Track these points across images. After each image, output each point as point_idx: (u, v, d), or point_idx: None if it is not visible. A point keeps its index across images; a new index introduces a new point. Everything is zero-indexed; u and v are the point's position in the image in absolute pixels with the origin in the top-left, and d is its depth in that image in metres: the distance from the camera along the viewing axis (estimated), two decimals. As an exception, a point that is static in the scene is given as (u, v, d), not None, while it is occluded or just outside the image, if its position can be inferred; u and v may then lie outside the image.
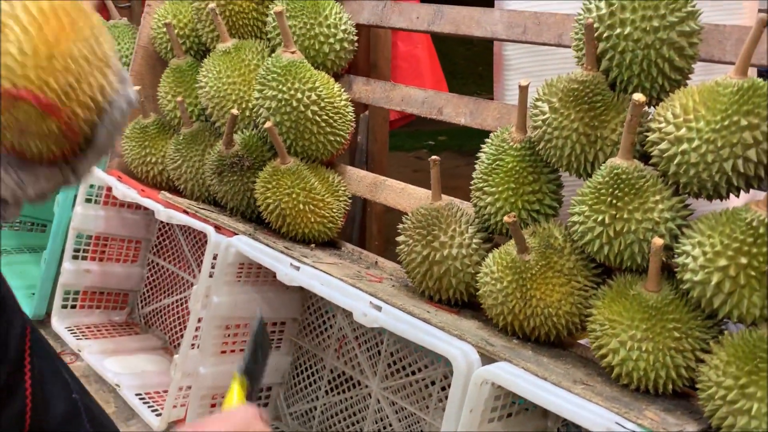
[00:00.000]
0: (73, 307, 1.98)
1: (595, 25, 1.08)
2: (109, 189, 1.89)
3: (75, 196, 1.97)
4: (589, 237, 1.07)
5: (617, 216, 1.04)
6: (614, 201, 1.04)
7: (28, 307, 2.05)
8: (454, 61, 9.07)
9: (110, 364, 1.79)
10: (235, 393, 0.99)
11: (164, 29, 1.85)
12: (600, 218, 1.05)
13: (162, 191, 1.84)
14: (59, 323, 1.93)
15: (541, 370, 1.04)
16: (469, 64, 9.29)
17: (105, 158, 2.02)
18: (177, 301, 1.99)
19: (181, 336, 1.69)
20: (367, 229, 2.14)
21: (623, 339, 1.03)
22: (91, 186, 1.92)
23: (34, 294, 2.04)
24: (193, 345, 1.54)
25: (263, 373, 1.07)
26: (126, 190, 1.82)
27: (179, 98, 1.76)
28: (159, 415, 1.58)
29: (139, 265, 2.08)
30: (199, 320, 1.51)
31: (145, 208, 2.02)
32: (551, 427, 1.19)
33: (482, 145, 1.29)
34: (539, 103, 1.16)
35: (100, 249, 1.99)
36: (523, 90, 1.19)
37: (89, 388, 1.86)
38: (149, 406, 1.63)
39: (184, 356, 1.53)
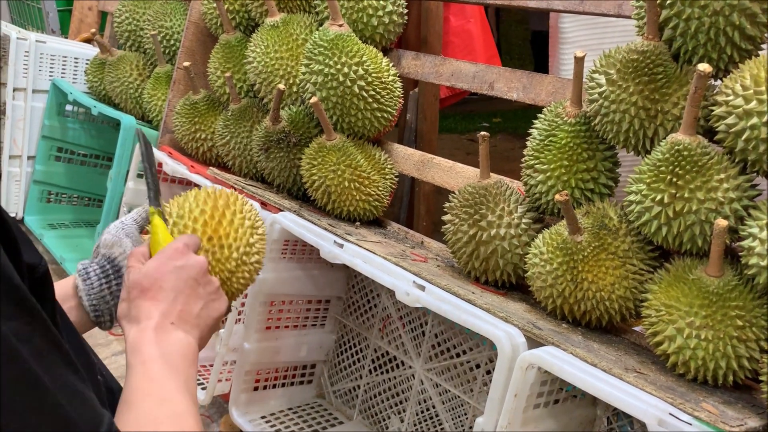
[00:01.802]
0: (125, 280, 2.02)
1: (659, -9, 1.00)
2: (160, 165, 1.91)
3: (127, 172, 2.01)
4: (647, 217, 1.01)
5: (677, 195, 0.97)
6: (675, 179, 0.97)
7: (83, 279, 2.09)
8: (510, 42, 8.88)
9: (159, 337, 1.82)
10: (160, 231, 0.88)
11: (214, 5, 1.85)
12: (659, 197, 0.99)
13: (210, 167, 1.84)
14: (112, 296, 1.97)
15: (591, 356, 0.99)
16: (526, 44, 9.07)
17: (156, 134, 2.05)
18: (225, 277, 2.01)
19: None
20: (415, 210, 2.11)
21: (680, 326, 0.97)
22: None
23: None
24: (238, 320, 1.54)
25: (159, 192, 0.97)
26: (176, 165, 1.83)
27: (228, 74, 1.75)
28: (204, 388, 1.59)
29: (188, 240, 2.10)
30: (245, 296, 1.51)
31: (195, 184, 2.04)
32: (600, 416, 1.14)
33: (539, 116, 1.23)
34: (596, 75, 1.09)
35: (151, 224, 2.01)
36: (579, 61, 1.13)
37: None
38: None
39: (229, 331, 1.53)
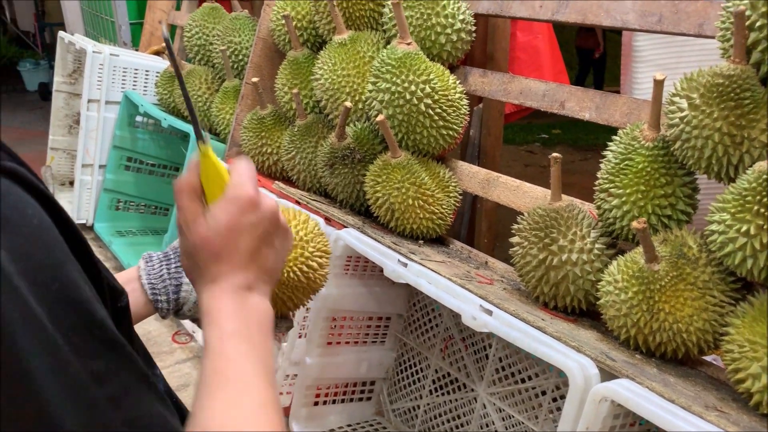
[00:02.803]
0: (190, 289, 2.06)
1: (747, 13, 0.96)
2: (226, 177, 1.94)
3: (194, 183, 2.05)
4: (730, 248, 0.97)
5: (765, 227, 0.93)
6: (762, 210, 0.93)
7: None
8: (574, 53, 8.74)
9: (222, 348, 1.84)
10: (214, 163, 0.76)
11: (283, 21, 1.87)
12: (744, 228, 0.94)
13: (276, 181, 1.87)
14: (177, 305, 2.02)
15: (668, 392, 0.95)
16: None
17: (224, 147, 2.09)
18: (286, 289, 2.03)
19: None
20: (477, 226, 2.08)
21: (766, 364, 0.92)
22: (210, 174, 1.99)
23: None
24: (300, 334, 1.55)
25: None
26: (241, 179, 1.86)
27: (295, 90, 1.78)
28: (265, 401, 1.60)
29: (251, 252, 2.13)
30: (307, 310, 1.52)
31: (259, 197, 2.06)
32: (676, 453, 1.09)
33: (602, 141, 1.20)
34: (677, 99, 1.06)
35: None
36: (659, 84, 1.09)
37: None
38: (257, 392, 1.66)
39: (291, 345, 1.54)
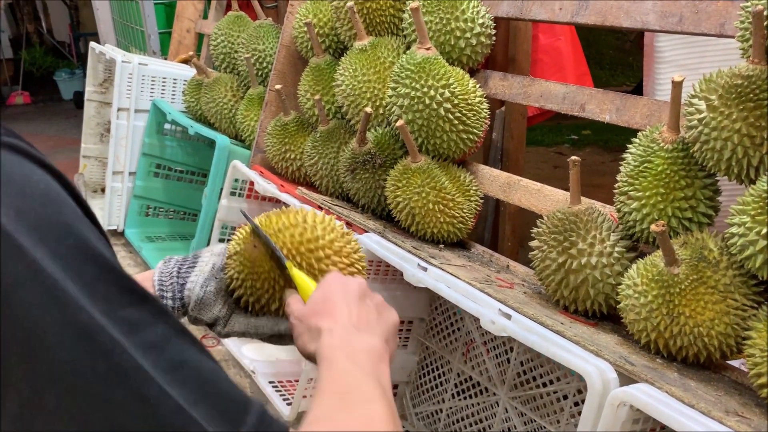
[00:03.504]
0: (217, 294, 2.09)
1: (766, 13, 0.95)
2: (252, 183, 1.97)
3: (221, 190, 2.08)
4: (751, 251, 0.95)
5: (786, 229, 0.91)
6: (783, 212, 0.91)
7: (177, 291, 2.19)
8: (602, 51, 8.63)
9: (247, 351, 1.87)
10: (303, 277, 0.91)
11: (305, 29, 1.90)
12: (764, 231, 0.93)
13: (299, 187, 1.89)
14: (204, 309, 2.05)
15: (688, 396, 0.94)
16: (619, 55, 8.80)
17: (249, 153, 2.12)
18: (310, 293, 2.05)
19: (313, 328, 1.73)
20: (500, 229, 2.08)
21: (789, 369, 0.90)
22: (236, 180, 2.02)
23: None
24: (322, 339, 1.57)
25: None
26: (266, 185, 1.89)
27: (317, 96, 1.80)
28: (290, 404, 1.62)
29: (276, 256, 2.16)
30: (329, 315, 1.54)
31: (284, 203, 2.09)
32: (698, 459, 1.07)
33: (629, 142, 1.19)
34: (695, 101, 1.05)
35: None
36: (677, 86, 1.08)
37: (228, 372, 1.98)
38: (281, 395, 1.69)
39: (314, 349, 1.56)
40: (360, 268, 0.99)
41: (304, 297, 0.90)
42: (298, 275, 0.92)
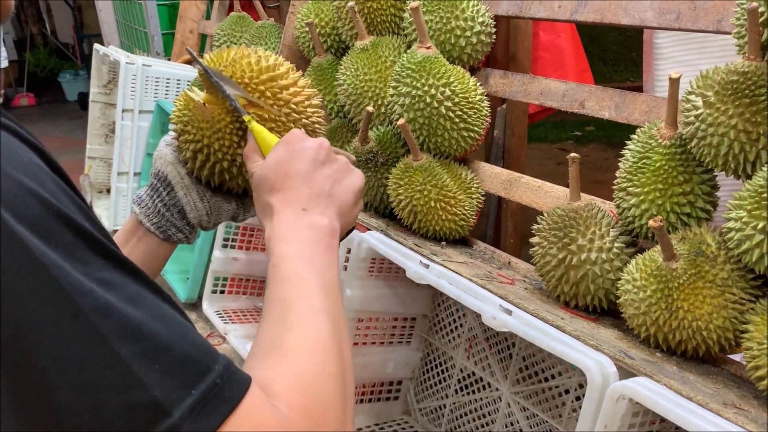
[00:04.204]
0: (222, 292, 2.12)
1: (761, 9, 0.96)
2: (255, 182, 1.99)
3: (224, 189, 2.10)
4: (747, 245, 0.97)
5: (782, 223, 0.92)
6: (779, 206, 0.92)
7: (182, 290, 2.21)
8: (605, 47, 8.62)
9: (252, 349, 1.89)
10: (263, 133, 0.87)
11: (307, 29, 1.91)
12: (761, 225, 0.94)
13: (302, 185, 1.91)
14: (209, 307, 2.07)
15: (686, 389, 0.96)
16: (621, 50, 8.78)
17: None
18: (315, 291, 2.06)
19: (318, 326, 1.75)
20: (502, 226, 2.09)
21: (786, 361, 0.91)
22: (239, 179, 2.04)
23: (188, 279, 2.21)
24: (327, 336, 1.58)
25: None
26: (269, 184, 1.90)
27: (319, 95, 1.81)
28: (294, 401, 1.64)
29: (280, 255, 2.18)
30: (333, 312, 1.55)
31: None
32: (697, 451, 1.09)
33: (631, 137, 1.20)
34: (692, 97, 1.06)
35: (246, 239, 2.11)
36: (674, 83, 1.09)
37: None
38: (286, 392, 1.70)
39: (318, 347, 1.58)
40: (314, 105, 0.98)
41: (265, 153, 0.85)
42: (258, 129, 0.87)
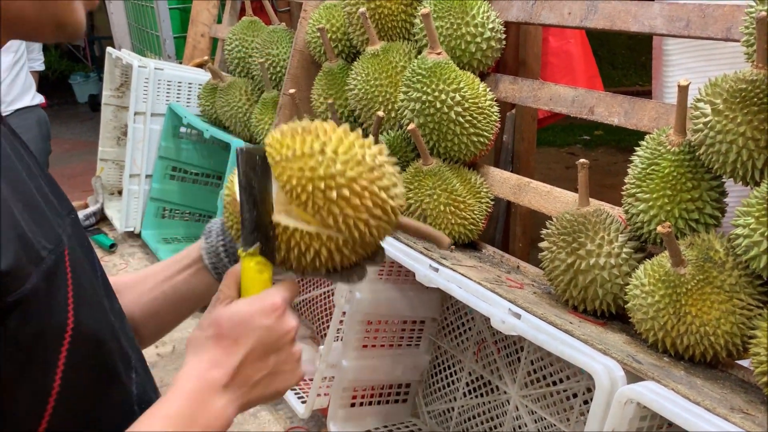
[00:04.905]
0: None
1: (770, 18, 0.97)
2: (265, 185, 2.01)
3: (235, 192, 2.12)
4: (755, 252, 0.97)
5: (790, 230, 0.93)
6: (786, 213, 0.93)
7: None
8: (614, 51, 8.61)
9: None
10: (252, 275, 0.74)
11: (318, 34, 1.93)
12: (768, 232, 0.95)
13: (312, 189, 1.92)
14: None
15: (693, 394, 0.97)
16: (631, 54, 8.78)
17: (262, 156, 2.16)
18: (324, 293, 2.08)
19: (328, 327, 1.76)
20: (511, 230, 2.10)
21: (793, 367, 0.92)
22: (250, 182, 2.06)
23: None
24: (336, 338, 1.60)
25: (271, 221, 0.75)
26: (280, 187, 1.92)
27: (330, 100, 1.83)
28: (304, 402, 1.66)
29: (290, 257, 2.20)
30: (343, 314, 1.57)
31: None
32: (705, 456, 1.09)
33: (641, 143, 1.21)
34: (701, 105, 1.07)
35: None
36: (683, 90, 1.10)
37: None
38: (296, 393, 1.72)
39: (328, 348, 1.59)
40: (385, 212, 0.75)
41: (243, 291, 0.75)
42: (249, 267, 0.74)
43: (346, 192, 0.72)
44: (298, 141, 0.74)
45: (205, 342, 0.73)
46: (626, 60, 8.68)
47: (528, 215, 2.09)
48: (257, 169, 0.75)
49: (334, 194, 0.72)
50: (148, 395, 0.82)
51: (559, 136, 6.90)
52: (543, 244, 1.30)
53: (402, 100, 1.58)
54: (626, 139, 6.31)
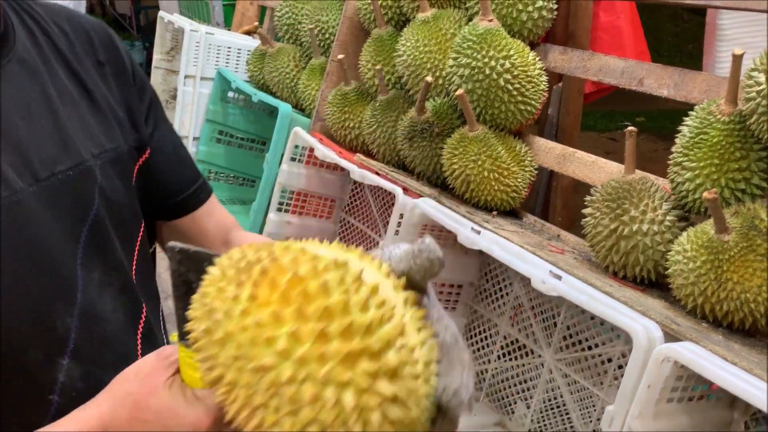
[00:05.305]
0: (274, 254, 2.19)
1: (831, -14, 0.97)
2: (312, 150, 2.05)
3: (282, 155, 2.17)
4: (802, 220, 0.98)
5: (838, 198, 0.94)
6: (836, 182, 0.94)
7: (236, 251, 2.30)
8: (661, 38, 8.43)
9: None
10: (184, 367, 0.64)
11: (369, 1, 1.95)
12: (817, 200, 0.96)
13: (357, 153, 1.96)
14: (261, 268, 2.15)
15: (731, 355, 0.98)
16: (677, 41, 8.59)
17: (309, 122, 2.20)
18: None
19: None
20: (551, 204, 2.11)
21: (833, 334, 0.93)
22: (296, 146, 2.10)
23: (242, 240, 2.29)
24: (376, 297, 1.64)
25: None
26: (326, 151, 1.96)
27: (378, 66, 1.86)
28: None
29: (332, 221, 2.25)
30: (383, 275, 1.61)
31: (342, 170, 2.17)
32: (738, 420, 1.11)
33: (690, 113, 1.21)
34: (755, 74, 1.07)
35: (300, 204, 2.18)
36: (737, 59, 1.11)
37: None
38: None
39: (367, 307, 1.64)
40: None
41: (186, 377, 0.63)
42: (185, 356, 0.62)
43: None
44: (243, 300, 0.48)
45: (125, 399, 0.65)
46: (672, 48, 8.49)
47: (569, 190, 2.09)
48: (191, 272, 0.61)
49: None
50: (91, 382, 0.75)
51: (600, 122, 6.82)
52: (586, 211, 1.32)
53: (451, 66, 1.60)
54: (668, 127, 6.21)
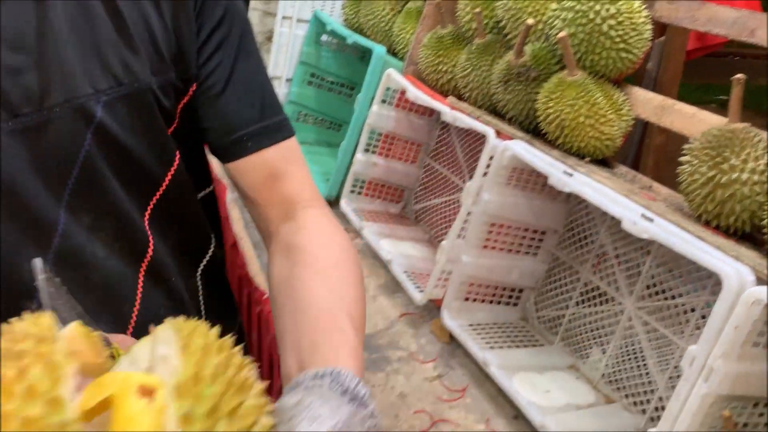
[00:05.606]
0: (359, 193, 2.26)
1: None
2: (402, 93, 2.09)
3: (372, 97, 2.22)
4: None
5: None
6: None
7: (322, 189, 2.38)
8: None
9: (385, 244, 2.03)
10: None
11: (472, -56, 1.95)
12: None
13: (450, 96, 1.99)
14: (347, 205, 2.23)
15: (827, 305, 0.98)
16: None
17: (402, 65, 2.23)
18: (445, 202, 2.17)
19: (445, 233, 1.85)
20: (642, 162, 2.08)
21: None
22: (388, 89, 2.15)
23: (328, 180, 2.37)
24: (459, 235, 1.69)
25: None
26: (418, 93, 2.00)
27: (477, 10, 1.86)
28: (421, 291, 1.77)
29: (417, 165, 2.29)
30: (468, 214, 1.65)
31: (430, 114, 2.20)
32: (825, 372, 1.11)
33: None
34: None
35: (387, 146, 2.23)
36: None
37: (365, 262, 2.08)
38: (413, 283, 1.84)
39: (450, 243, 1.68)
40: None
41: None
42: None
43: None
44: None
45: None
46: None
47: (661, 148, 2.06)
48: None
49: None
50: None
51: (694, 94, 6.51)
52: (684, 158, 1.31)
53: (554, 10, 1.60)
54: (766, 104, 5.87)
